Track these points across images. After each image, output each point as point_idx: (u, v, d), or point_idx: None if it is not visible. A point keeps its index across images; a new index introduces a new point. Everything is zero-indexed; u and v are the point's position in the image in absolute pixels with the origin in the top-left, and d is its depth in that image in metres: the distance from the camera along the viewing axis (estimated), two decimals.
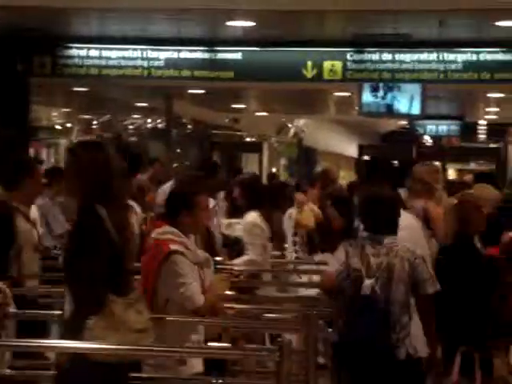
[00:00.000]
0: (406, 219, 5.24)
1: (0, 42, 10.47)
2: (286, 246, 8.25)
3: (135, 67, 10.79)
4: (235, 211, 7.75)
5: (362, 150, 22.31)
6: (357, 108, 11.62)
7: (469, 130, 20.62)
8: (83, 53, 10.82)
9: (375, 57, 10.48)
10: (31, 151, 12.81)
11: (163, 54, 10.73)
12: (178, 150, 19.04)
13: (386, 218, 4.81)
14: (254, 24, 9.64)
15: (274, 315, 5.07)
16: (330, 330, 4.78)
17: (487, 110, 17.28)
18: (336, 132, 23.56)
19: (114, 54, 10.79)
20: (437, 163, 17.65)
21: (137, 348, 3.64)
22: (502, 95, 13.70)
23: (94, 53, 10.81)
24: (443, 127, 18.47)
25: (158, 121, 19.37)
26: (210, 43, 10.66)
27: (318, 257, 6.68)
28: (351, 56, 10.51)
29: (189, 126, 20.73)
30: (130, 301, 3.60)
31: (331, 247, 5.68)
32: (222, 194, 8.82)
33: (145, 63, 10.76)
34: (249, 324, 4.18)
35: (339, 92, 13.56)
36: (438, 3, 8.56)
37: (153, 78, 10.84)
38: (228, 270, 5.72)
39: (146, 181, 8.93)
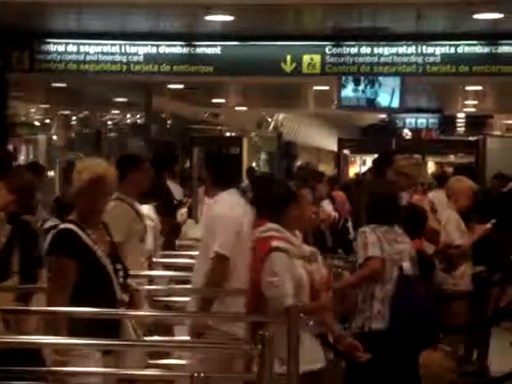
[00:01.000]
0: None
1: None
2: None
3: (114, 62, 10.74)
4: None
5: (341, 143, 22.32)
6: (336, 102, 11.64)
7: (448, 122, 20.70)
8: (61, 48, 10.76)
9: (354, 50, 10.50)
10: (10, 147, 12.71)
11: (142, 49, 10.69)
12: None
13: (396, 210, 5.53)
14: (233, 18, 9.63)
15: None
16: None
17: (466, 102, 17.35)
18: (315, 126, 23.60)
19: (93, 49, 10.74)
20: (417, 156, 17.77)
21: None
22: (480, 88, 13.76)
23: (72, 48, 10.76)
24: (422, 120, 18.55)
25: (138, 116, 19.31)
26: (189, 38, 10.64)
27: None
28: (330, 50, 10.52)
29: (168, 121, 20.69)
30: None
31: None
32: None
33: (124, 58, 10.73)
34: (225, 316, 4.17)
35: (318, 86, 13.57)
36: None
37: (132, 73, 10.80)
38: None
39: None
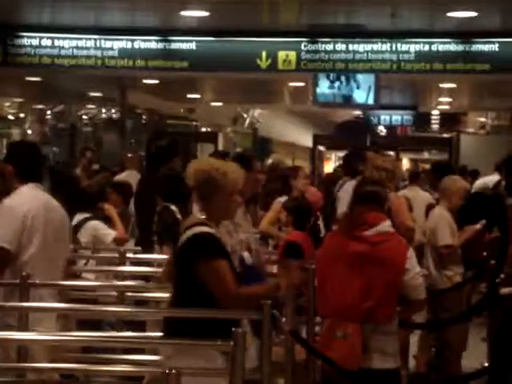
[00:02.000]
0: None
1: None
2: None
3: (88, 57, 10.70)
4: None
5: (316, 139, 22.37)
6: (311, 98, 11.67)
7: (422, 120, 20.81)
8: (35, 42, 10.70)
9: (329, 47, 10.53)
10: None
11: (117, 44, 10.65)
12: (133, 141, 18.94)
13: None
14: (208, 14, 9.62)
15: None
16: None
17: (440, 100, 17.44)
18: (291, 122, 23.62)
19: (67, 44, 10.69)
20: (391, 152, 17.85)
21: None
22: (454, 85, 13.84)
23: (46, 42, 10.70)
24: (397, 117, 18.63)
25: (113, 111, 19.25)
26: (164, 33, 10.62)
27: None
28: (305, 46, 10.54)
29: (143, 116, 20.63)
30: None
31: None
32: None
33: (98, 53, 10.68)
34: (203, 313, 4.17)
35: (294, 82, 13.59)
36: None
37: (106, 68, 10.76)
38: None
39: None
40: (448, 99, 17.15)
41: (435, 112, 21.19)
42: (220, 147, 20.50)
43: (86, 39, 10.66)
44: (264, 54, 10.52)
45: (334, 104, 11.91)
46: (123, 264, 6.00)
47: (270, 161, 9.21)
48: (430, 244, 7.04)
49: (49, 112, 20.22)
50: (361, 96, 11.26)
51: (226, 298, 4.12)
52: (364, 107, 13.88)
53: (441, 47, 10.39)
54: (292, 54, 10.56)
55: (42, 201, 4.82)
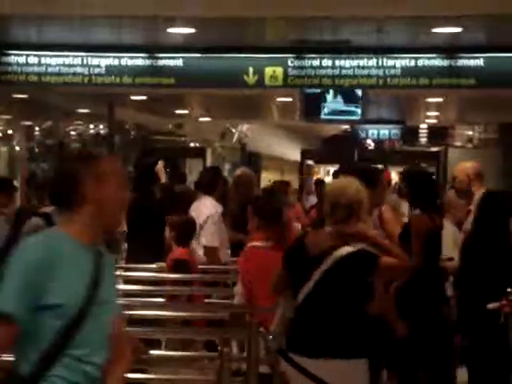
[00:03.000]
0: None
1: None
2: None
3: (76, 74, 10.71)
4: None
5: (304, 154, 22.42)
6: (299, 113, 11.71)
7: (410, 133, 20.88)
8: (22, 60, 10.70)
9: (316, 63, 10.57)
10: None
11: (104, 61, 10.67)
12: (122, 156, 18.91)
13: None
14: (195, 30, 9.65)
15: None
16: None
17: (428, 114, 17.51)
18: (279, 137, 23.68)
19: (54, 61, 10.70)
20: (379, 166, 17.89)
21: None
22: (440, 100, 13.91)
23: (33, 60, 10.70)
24: (385, 131, 18.68)
25: (101, 127, 19.24)
26: (151, 50, 10.64)
27: None
28: (292, 62, 10.58)
29: (132, 132, 20.63)
30: None
31: None
32: None
33: (85, 70, 10.69)
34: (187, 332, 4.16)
35: (282, 97, 13.63)
36: (375, 10, 8.68)
37: (94, 85, 10.77)
38: None
39: None
40: (435, 113, 17.23)
41: (423, 126, 21.28)
42: (208, 162, 20.53)
43: (73, 57, 10.67)
44: (251, 70, 10.55)
45: (323, 120, 11.94)
46: None
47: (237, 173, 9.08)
48: None
49: (37, 128, 20.18)
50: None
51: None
52: (350, 122, 13.93)
53: (426, 62, 10.46)
54: (279, 70, 10.59)
55: None
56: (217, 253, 7.51)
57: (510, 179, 16.46)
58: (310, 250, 4.26)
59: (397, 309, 5.59)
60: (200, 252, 7.49)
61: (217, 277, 7.18)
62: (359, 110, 11.33)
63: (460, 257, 6.78)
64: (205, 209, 7.64)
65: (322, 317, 4.17)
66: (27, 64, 10.69)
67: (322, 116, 11.41)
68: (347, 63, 10.52)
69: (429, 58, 10.42)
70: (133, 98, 13.57)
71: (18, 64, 10.70)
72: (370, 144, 22.42)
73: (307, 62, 10.57)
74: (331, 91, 11.19)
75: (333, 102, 11.31)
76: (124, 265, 7.50)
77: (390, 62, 10.48)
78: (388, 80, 10.53)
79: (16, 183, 16.57)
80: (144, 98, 13.58)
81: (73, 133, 20.95)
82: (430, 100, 14.06)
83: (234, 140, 22.16)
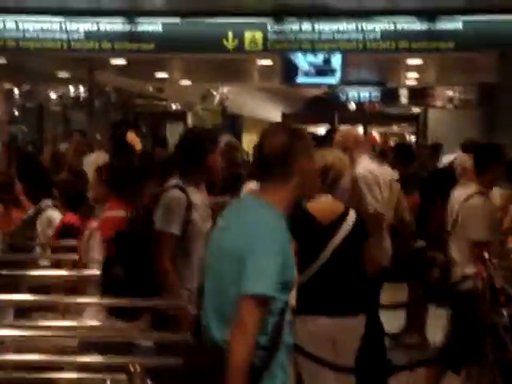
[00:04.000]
0: None
1: None
2: None
3: (54, 40, 10.64)
4: None
5: (285, 117, 22.41)
6: (278, 77, 11.72)
7: (390, 95, 20.89)
8: (0, 25, 10.63)
9: (295, 27, 10.56)
10: None
11: (83, 27, 10.61)
12: (102, 120, 18.84)
13: None
14: None
15: None
16: None
17: (407, 75, 17.51)
18: (260, 99, 23.62)
19: (32, 27, 10.62)
20: (359, 127, 17.93)
21: None
22: (420, 62, 13.91)
23: (11, 25, 10.62)
24: (365, 93, 18.71)
25: (81, 90, 19.11)
26: (130, 15, 10.58)
27: None
28: (271, 27, 10.56)
29: (112, 95, 20.50)
30: None
31: None
32: None
33: (64, 36, 10.63)
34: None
35: (263, 60, 13.60)
36: None
37: (73, 51, 10.72)
38: None
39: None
40: (415, 75, 17.24)
41: (403, 87, 21.28)
42: (189, 125, 20.47)
43: (52, 22, 10.60)
44: (230, 34, 10.53)
45: (301, 83, 11.96)
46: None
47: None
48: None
49: (16, 91, 20.02)
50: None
51: None
52: (329, 85, 13.94)
53: (406, 26, 10.46)
54: (258, 35, 10.58)
55: None
56: None
57: (490, 139, 16.55)
58: (319, 220, 4.47)
59: None
60: None
61: None
62: (338, 74, 11.34)
63: None
64: None
65: (341, 279, 4.45)
66: (5, 29, 10.61)
67: (299, 80, 11.42)
68: (326, 27, 10.52)
69: (408, 22, 10.43)
70: (112, 62, 13.49)
71: None
72: (352, 105, 22.43)
73: (287, 27, 10.56)
74: (309, 55, 11.20)
75: (311, 66, 11.31)
76: None
77: (370, 26, 10.48)
78: (367, 44, 10.54)
79: None
80: (124, 62, 13.50)
81: (53, 96, 20.79)
82: (410, 62, 14.07)
83: (216, 102, 22.09)
